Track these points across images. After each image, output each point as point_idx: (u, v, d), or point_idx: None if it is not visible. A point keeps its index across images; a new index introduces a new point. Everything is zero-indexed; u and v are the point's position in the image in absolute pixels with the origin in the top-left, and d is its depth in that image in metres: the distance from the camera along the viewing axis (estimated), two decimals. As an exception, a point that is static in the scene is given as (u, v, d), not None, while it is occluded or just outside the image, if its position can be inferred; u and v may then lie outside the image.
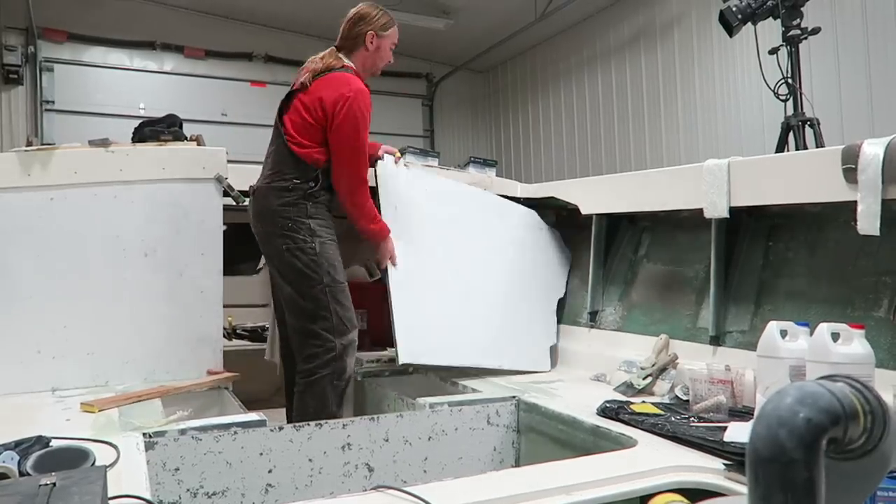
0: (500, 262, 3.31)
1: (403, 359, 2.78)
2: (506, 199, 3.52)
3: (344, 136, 2.67)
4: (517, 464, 2.53)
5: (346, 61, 2.79)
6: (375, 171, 2.99)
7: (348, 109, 2.64)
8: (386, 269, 2.89)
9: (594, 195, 3.29)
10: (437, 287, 3.02)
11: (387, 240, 2.84)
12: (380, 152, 3.01)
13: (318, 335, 2.66)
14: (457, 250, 3.17)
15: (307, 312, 2.69)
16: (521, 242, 3.43)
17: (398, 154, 3.10)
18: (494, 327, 3.13)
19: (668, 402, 2.39)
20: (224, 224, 3.05)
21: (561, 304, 3.46)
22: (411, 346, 2.81)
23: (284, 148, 2.72)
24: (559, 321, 3.40)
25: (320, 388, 2.65)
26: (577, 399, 2.47)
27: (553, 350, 3.28)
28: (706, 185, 2.63)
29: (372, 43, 2.80)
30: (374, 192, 2.94)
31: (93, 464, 1.66)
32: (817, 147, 3.63)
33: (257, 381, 3.43)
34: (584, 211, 3.30)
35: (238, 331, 4.44)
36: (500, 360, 3.06)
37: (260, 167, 2.89)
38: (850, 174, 2.16)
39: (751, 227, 2.71)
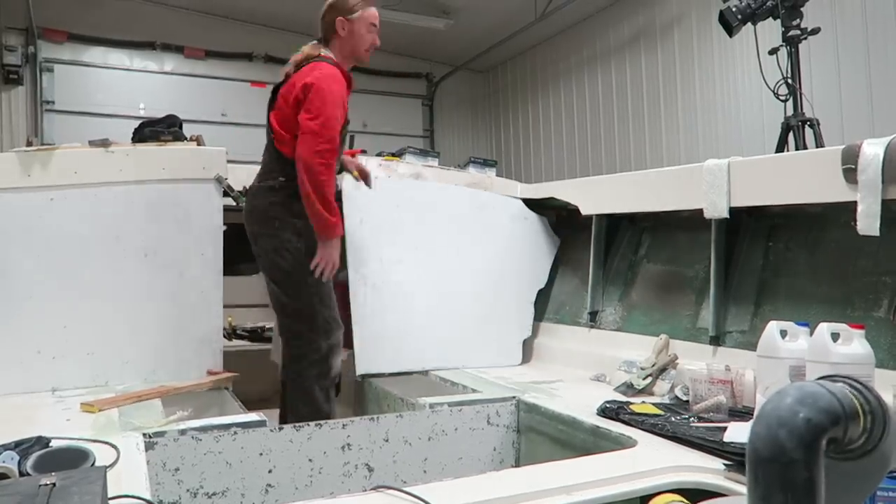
0: (475, 260, 3.36)
1: (360, 370, 2.98)
2: (487, 193, 3.53)
3: (310, 110, 2.55)
4: (517, 464, 2.53)
5: (325, 51, 2.74)
6: (342, 184, 3.07)
7: (317, 87, 2.55)
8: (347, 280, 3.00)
9: (594, 195, 3.29)
10: (403, 294, 3.14)
11: (334, 241, 2.63)
12: (349, 165, 3.01)
13: (302, 336, 2.67)
14: (428, 254, 3.25)
15: (292, 312, 2.70)
16: (500, 236, 3.46)
17: (356, 174, 3.02)
18: (463, 327, 3.24)
19: (668, 402, 2.39)
20: (224, 224, 3.06)
21: (545, 294, 3.50)
22: (369, 356, 3.00)
23: (272, 146, 2.73)
24: (559, 320, 3.41)
25: (307, 390, 2.66)
26: (577, 399, 2.47)
27: (526, 343, 3.38)
28: (706, 185, 2.63)
29: (343, 28, 2.73)
30: (340, 204, 3.00)
31: (93, 464, 1.66)
32: (817, 147, 3.63)
33: (257, 382, 3.43)
34: (583, 211, 3.30)
35: (238, 331, 4.44)
36: (466, 359, 3.20)
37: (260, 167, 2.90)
38: (850, 174, 2.15)
39: (751, 227, 2.71)
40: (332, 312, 2.71)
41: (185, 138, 3.09)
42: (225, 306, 3.07)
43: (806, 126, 3.74)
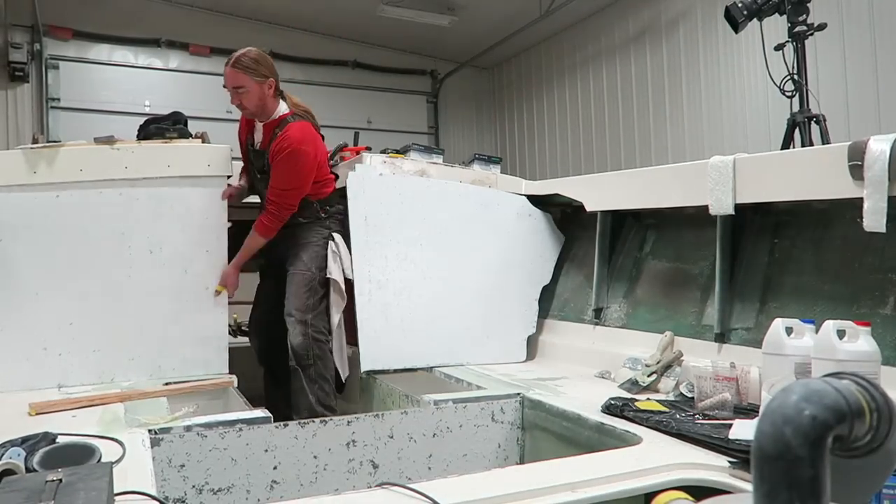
0: (480, 256, 3.36)
1: (365, 366, 3.00)
2: (492, 190, 3.53)
3: None
4: (522, 461, 2.53)
5: None
6: (347, 181, 3.11)
7: None
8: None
9: (599, 192, 3.29)
10: (407, 291, 3.15)
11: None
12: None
13: None
14: (432, 251, 3.25)
15: None
16: (505, 233, 3.45)
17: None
18: (468, 324, 3.25)
19: (672, 399, 2.39)
20: (228, 221, 3.06)
21: (549, 291, 3.51)
22: (374, 353, 3.02)
23: None
24: (564, 317, 3.41)
25: None
26: (582, 396, 2.46)
27: (530, 340, 3.38)
28: (711, 181, 2.62)
29: None
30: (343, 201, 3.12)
31: (99, 460, 1.67)
32: (823, 143, 3.61)
33: (262, 378, 3.44)
34: (588, 208, 3.29)
35: (243, 328, 4.44)
36: (470, 356, 3.20)
37: None
38: (857, 171, 2.14)
39: (756, 224, 2.70)
40: None
41: (190, 135, 3.09)
42: (230, 303, 3.07)
43: (812, 122, 3.72)
